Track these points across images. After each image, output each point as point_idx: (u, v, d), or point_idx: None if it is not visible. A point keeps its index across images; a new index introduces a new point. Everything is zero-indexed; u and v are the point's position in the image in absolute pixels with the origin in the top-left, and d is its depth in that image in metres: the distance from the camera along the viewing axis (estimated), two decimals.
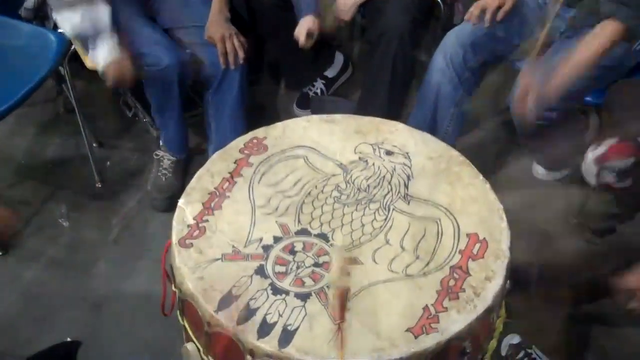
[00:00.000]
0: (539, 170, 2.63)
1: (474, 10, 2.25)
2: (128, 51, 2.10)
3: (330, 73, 2.97)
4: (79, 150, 2.66)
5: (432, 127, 2.36)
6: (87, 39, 2.07)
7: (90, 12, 2.02)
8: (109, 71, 2.08)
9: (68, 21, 2.06)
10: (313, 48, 2.43)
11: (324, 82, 2.94)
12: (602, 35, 1.89)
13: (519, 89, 2.03)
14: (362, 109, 2.54)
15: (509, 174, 2.64)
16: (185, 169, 2.57)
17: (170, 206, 2.42)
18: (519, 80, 2.04)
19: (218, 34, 2.27)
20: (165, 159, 2.53)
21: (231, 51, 2.27)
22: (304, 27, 2.36)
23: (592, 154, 1.75)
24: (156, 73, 2.22)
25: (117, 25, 2.09)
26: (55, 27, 2.45)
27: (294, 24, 2.41)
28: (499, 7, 2.23)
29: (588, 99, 2.25)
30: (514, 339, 1.96)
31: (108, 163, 2.69)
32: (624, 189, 1.76)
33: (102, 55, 2.07)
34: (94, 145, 2.70)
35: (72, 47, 2.37)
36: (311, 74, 2.93)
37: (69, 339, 1.98)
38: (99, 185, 2.59)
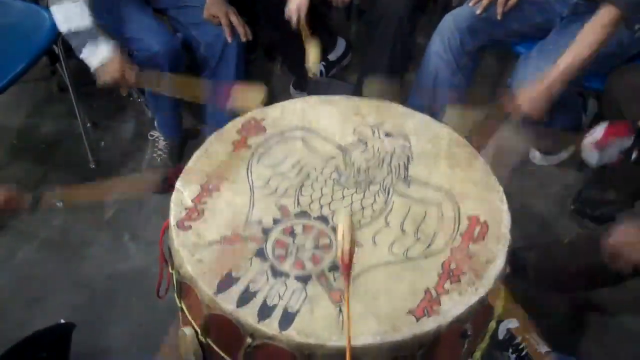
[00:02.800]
0: (536, 155, 2.62)
1: (484, 1, 2.22)
2: (124, 52, 2.07)
3: (331, 56, 2.95)
4: (73, 131, 2.64)
5: (431, 112, 2.34)
6: (82, 37, 2.03)
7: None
8: (104, 70, 2.04)
9: (65, 13, 2.02)
10: (313, 32, 2.39)
11: (324, 64, 2.92)
12: (600, 23, 1.87)
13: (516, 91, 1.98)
14: (360, 91, 2.52)
15: None
16: (181, 150, 2.55)
17: (165, 187, 2.40)
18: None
19: (222, 10, 2.24)
20: (161, 139, 2.52)
21: (238, 24, 2.25)
22: (294, 4, 2.32)
23: (589, 141, 1.75)
24: (147, 59, 2.20)
25: (110, 12, 2.07)
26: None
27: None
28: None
29: (588, 84, 2.23)
30: (512, 323, 1.96)
31: (102, 143, 2.67)
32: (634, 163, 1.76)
33: (100, 53, 2.02)
34: (88, 125, 2.67)
35: None
36: None
37: (62, 321, 1.96)
38: (93, 165, 2.57)
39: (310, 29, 2.23)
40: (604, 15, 1.86)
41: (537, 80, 1.91)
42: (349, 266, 1.22)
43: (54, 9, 2.04)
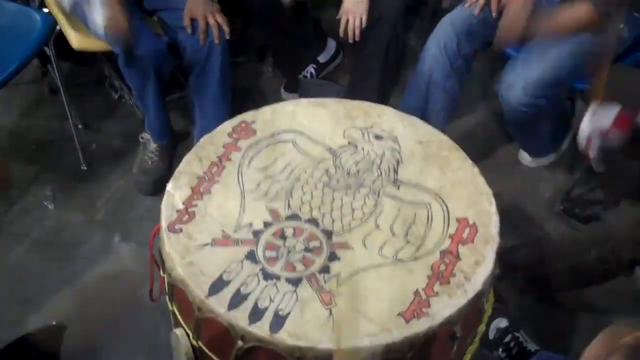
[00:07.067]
0: (525, 157, 2.64)
1: (480, 1, 2.23)
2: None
3: (322, 58, 2.95)
4: (64, 132, 2.63)
5: (423, 114, 2.35)
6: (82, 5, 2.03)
7: None
8: (109, 27, 2.03)
9: None
10: (304, 32, 2.40)
11: (314, 66, 2.92)
12: (579, 12, 1.88)
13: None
14: (353, 94, 2.53)
15: (496, 161, 2.65)
16: (172, 152, 2.55)
17: (156, 190, 2.41)
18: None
19: (199, 11, 2.24)
20: (151, 142, 2.52)
21: (214, 26, 2.25)
22: None
23: (592, 122, 1.75)
24: (131, 61, 2.20)
25: None
26: (41, 6, 2.42)
27: (284, 9, 2.38)
28: None
29: (575, 85, 2.25)
30: (502, 322, 1.97)
31: (94, 145, 2.66)
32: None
33: (99, 14, 2.01)
34: (80, 127, 2.67)
35: (58, 27, 2.34)
36: (302, 60, 2.92)
37: (54, 323, 1.97)
38: (84, 167, 2.56)
39: None
40: (579, 8, 1.87)
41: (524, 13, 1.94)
42: None
43: None
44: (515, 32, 1.95)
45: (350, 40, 2.35)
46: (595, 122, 1.76)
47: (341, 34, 2.37)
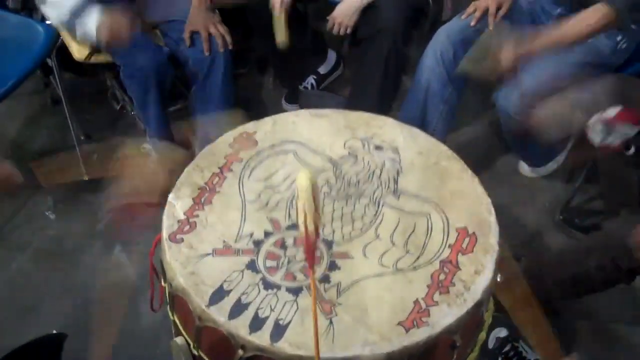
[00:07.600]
0: (524, 167, 2.65)
1: (477, 14, 2.25)
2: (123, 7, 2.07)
3: (322, 69, 2.97)
4: (66, 143, 2.65)
5: (421, 125, 2.36)
6: (74, 15, 2.04)
7: None
8: (102, 31, 2.04)
9: (53, 5, 2.04)
10: (304, 43, 2.42)
11: (315, 77, 2.94)
12: (592, 17, 1.89)
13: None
14: (353, 105, 2.54)
15: (495, 171, 2.66)
16: None
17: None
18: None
19: (200, 23, 2.26)
20: (153, 152, 2.52)
21: (217, 35, 2.27)
22: None
23: (598, 117, 1.76)
24: (132, 72, 2.21)
25: None
26: (44, 18, 2.43)
27: None
28: (498, 9, 2.23)
29: None
30: (502, 332, 1.98)
31: (95, 155, 2.68)
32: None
33: (93, 18, 2.03)
34: (82, 137, 2.69)
35: (60, 39, 2.36)
36: (303, 71, 2.93)
37: (54, 332, 1.97)
38: (86, 177, 2.58)
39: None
40: (597, 12, 1.88)
41: (523, 41, 1.93)
42: (312, 253, 1.10)
43: (44, 9, 2.06)
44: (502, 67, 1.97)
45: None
46: (600, 116, 1.77)
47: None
